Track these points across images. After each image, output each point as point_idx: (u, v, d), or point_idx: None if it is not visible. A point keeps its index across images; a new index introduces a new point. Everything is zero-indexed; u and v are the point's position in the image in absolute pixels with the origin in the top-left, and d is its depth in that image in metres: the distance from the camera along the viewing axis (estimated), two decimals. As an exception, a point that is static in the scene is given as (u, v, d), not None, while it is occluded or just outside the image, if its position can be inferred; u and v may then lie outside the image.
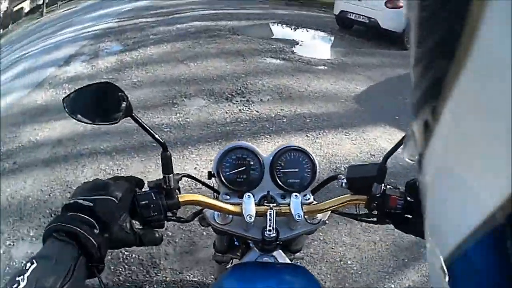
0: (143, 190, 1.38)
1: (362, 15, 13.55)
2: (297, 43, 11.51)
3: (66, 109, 1.33)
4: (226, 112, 6.34)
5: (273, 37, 11.98)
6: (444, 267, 0.57)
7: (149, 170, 4.88)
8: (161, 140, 1.38)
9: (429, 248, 0.71)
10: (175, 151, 5.15)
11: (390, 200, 1.47)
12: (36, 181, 4.85)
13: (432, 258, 0.65)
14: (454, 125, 0.45)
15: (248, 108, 6.51)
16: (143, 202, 1.31)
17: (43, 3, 27.74)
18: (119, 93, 1.32)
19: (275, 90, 7.39)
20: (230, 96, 7.00)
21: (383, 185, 1.49)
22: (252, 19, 14.41)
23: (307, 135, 5.81)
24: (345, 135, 5.94)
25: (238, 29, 12.26)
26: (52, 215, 4.23)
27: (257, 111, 6.41)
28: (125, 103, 1.31)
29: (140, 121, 1.34)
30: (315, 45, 12.45)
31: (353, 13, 13.72)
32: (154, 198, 1.33)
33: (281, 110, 6.55)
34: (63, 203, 1.34)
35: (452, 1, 0.40)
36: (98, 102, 1.34)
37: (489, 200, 0.38)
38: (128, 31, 12.17)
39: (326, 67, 9.38)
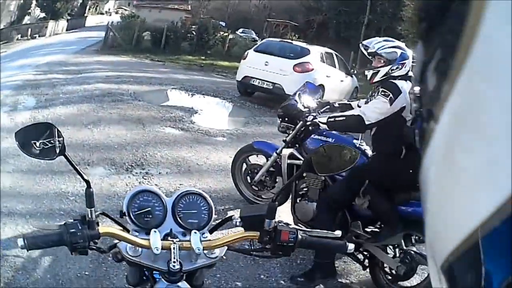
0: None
1: (267, 81, 13.55)
2: (196, 112, 11.57)
3: (17, 142, 1.64)
4: (127, 184, 6.26)
5: (173, 104, 12.06)
6: (443, 267, 0.60)
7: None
8: (86, 178, 1.68)
9: (429, 249, 0.78)
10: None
11: (282, 235, 1.70)
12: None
13: (432, 258, 0.71)
14: (454, 126, 0.47)
15: (148, 181, 6.44)
16: (72, 230, 1.51)
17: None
18: (58, 135, 1.64)
19: (173, 163, 7.35)
20: (130, 167, 6.93)
21: (274, 221, 1.72)
22: (153, 84, 14.69)
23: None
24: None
25: (139, 95, 12.42)
26: None
27: (156, 185, 6.24)
28: (60, 144, 1.64)
29: (71, 160, 1.65)
30: (214, 113, 12.46)
31: (257, 78, 13.73)
32: (80, 227, 1.52)
33: (180, 185, 6.48)
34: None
35: (453, 1, 0.39)
36: (40, 139, 1.62)
37: (489, 201, 0.39)
38: (42, 86, 12.50)
39: (225, 138, 9.46)
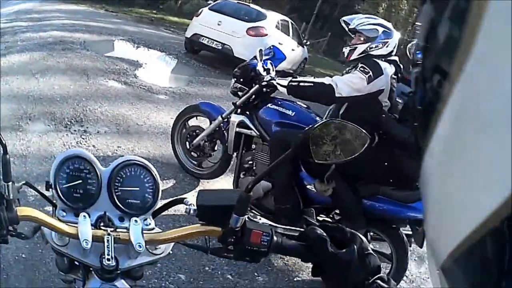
0: None
1: (217, 41, 13.15)
2: (141, 65, 11.24)
3: None
4: (64, 144, 5.94)
5: (119, 56, 11.70)
6: (444, 267, 0.59)
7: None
8: (2, 140, 1.18)
9: (429, 248, 0.77)
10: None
11: (252, 236, 1.26)
12: None
13: (432, 258, 0.69)
14: (454, 126, 0.46)
15: (86, 141, 6.14)
16: None
17: None
18: None
19: (113, 121, 7.08)
20: (69, 123, 6.62)
21: (244, 217, 1.28)
22: (104, 34, 14.30)
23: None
24: (189, 182, 5.77)
25: (88, 44, 12.10)
26: None
27: (93, 146, 6.06)
28: None
29: None
30: (158, 69, 12.11)
31: (207, 37, 13.31)
32: None
33: (118, 147, 6.24)
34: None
35: (453, 2, 0.40)
36: None
37: (489, 201, 0.38)
38: (6, 34, 12.10)
39: (167, 97, 9.26)
